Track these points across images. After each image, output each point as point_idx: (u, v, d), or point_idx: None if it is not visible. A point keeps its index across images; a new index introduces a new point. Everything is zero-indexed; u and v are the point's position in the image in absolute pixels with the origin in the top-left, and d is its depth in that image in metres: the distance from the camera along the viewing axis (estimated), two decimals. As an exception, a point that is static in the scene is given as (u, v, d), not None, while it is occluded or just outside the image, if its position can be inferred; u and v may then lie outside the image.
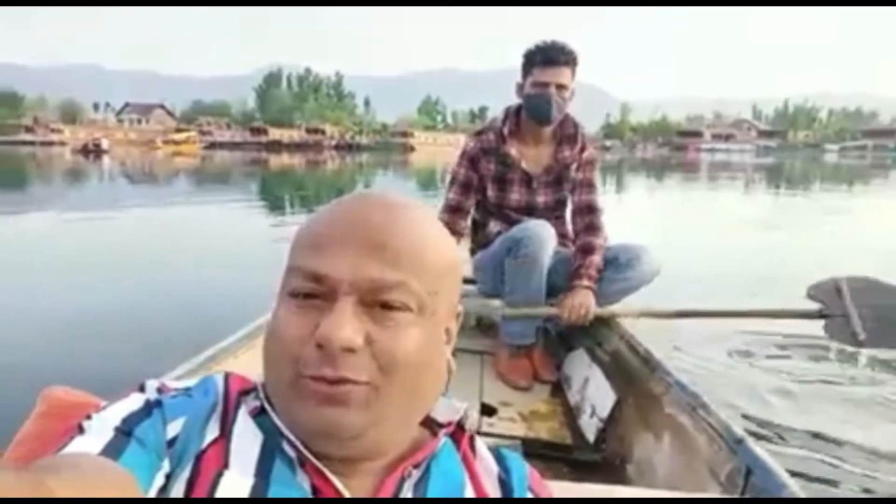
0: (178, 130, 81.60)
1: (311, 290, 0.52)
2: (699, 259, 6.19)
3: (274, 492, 0.50)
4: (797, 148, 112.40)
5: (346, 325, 0.49)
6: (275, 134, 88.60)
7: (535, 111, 2.37)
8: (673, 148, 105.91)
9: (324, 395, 0.50)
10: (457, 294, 0.59)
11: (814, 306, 2.16)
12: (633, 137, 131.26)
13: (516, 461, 0.62)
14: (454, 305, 0.59)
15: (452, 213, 2.46)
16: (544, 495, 0.62)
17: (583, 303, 2.20)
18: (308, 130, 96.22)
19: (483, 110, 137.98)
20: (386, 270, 0.51)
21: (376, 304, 0.51)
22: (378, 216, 0.53)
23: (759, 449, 1.23)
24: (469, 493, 0.57)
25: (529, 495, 0.60)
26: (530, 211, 2.45)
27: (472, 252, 2.60)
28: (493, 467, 0.60)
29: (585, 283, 2.24)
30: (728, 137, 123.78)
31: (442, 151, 65.40)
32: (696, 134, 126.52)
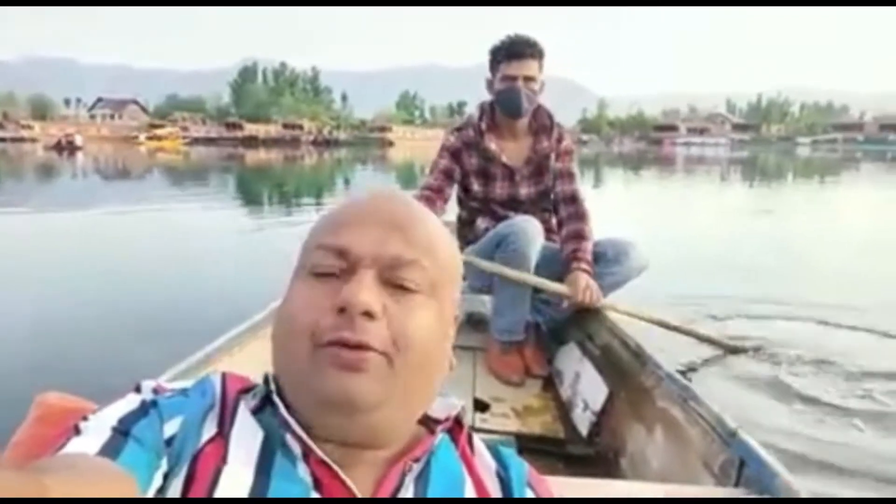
0: (153, 126, 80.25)
1: (331, 267, 0.54)
2: (682, 249, 6.26)
3: (275, 486, 0.50)
4: (770, 141, 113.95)
5: (366, 289, 0.51)
6: (251, 129, 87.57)
7: (505, 105, 2.40)
8: (649, 142, 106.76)
9: (343, 361, 0.50)
10: (458, 295, 0.61)
11: None
12: (610, 132, 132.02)
13: (513, 458, 0.63)
14: (455, 305, 0.60)
15: (430, 193, 2.45)
16: (543, 490, 0.62)
17: (592, 284, 2.23)
18: (285, 126, 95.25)
19: (462, 105, 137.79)
20: (405, 248, 0.54)
21: (393, 282, 0.53)
22: (398, 204, 0.58)
23: (752, 441, 1.24)
24: (469, 487, 0.57)
25: (529, 491, 0.61)
26: (515, 204, 2.48)
27: (460, 249, 2.61)
28: (491, 463, 0.61)
29: (584, 266, 2.28)
30: (703, 131, 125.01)
31: (420, 146, 65.18)
32: (672, 128, 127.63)
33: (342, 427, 0.52)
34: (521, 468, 0.62)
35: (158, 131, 70.60)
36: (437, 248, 0.56)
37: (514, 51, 2.35)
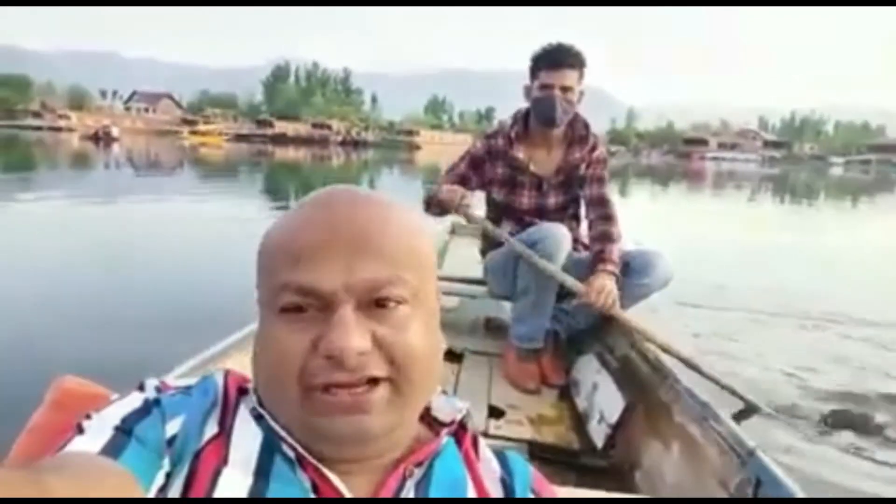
0: (185, 121, 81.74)
1: (303, 303, 0.50)
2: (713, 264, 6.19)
3: (274, 489, 0.50)
4: (802, 160, 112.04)
5: (353, 332, 0.48)
6: (281, 127, 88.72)
7: (540, 114, 2.39)
8: (678, 156, 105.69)
9: (347, 406, 0.49)
10: (435, 277, 0.59)
11: None
12: (639, 144, 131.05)
13: (519, 462, 0.62)
14: (437, 289, 0.59)
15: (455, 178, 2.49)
16: (547, 495, 0.61)
17: (609, 289, 2.17)
18: (314, 125, 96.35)
19: (490, 111, 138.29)
20: (378, 268, 0.51)
21: (373, 303, 0.51)
22: (356, 215, 0.52)
23: (770, 461, 1.23)
24: (471, 493, 0.56)
25: (532, 496, 0.60)
26: (541, 213, 2.46)
27: (483, 253, 2.61)
28: (496, 468, 0.60)
29: (610, 267, 2.23)
30: (733, 146, 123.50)
31: (448, 151, 65.19)
32: (702, 142, 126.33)
33: (355, 452, 0.52)
34: (526, 472, 0.61)
35: (202, 127, 72.01)
36: (412, 250, 0.53)
37: (553, 59, 2.33)
